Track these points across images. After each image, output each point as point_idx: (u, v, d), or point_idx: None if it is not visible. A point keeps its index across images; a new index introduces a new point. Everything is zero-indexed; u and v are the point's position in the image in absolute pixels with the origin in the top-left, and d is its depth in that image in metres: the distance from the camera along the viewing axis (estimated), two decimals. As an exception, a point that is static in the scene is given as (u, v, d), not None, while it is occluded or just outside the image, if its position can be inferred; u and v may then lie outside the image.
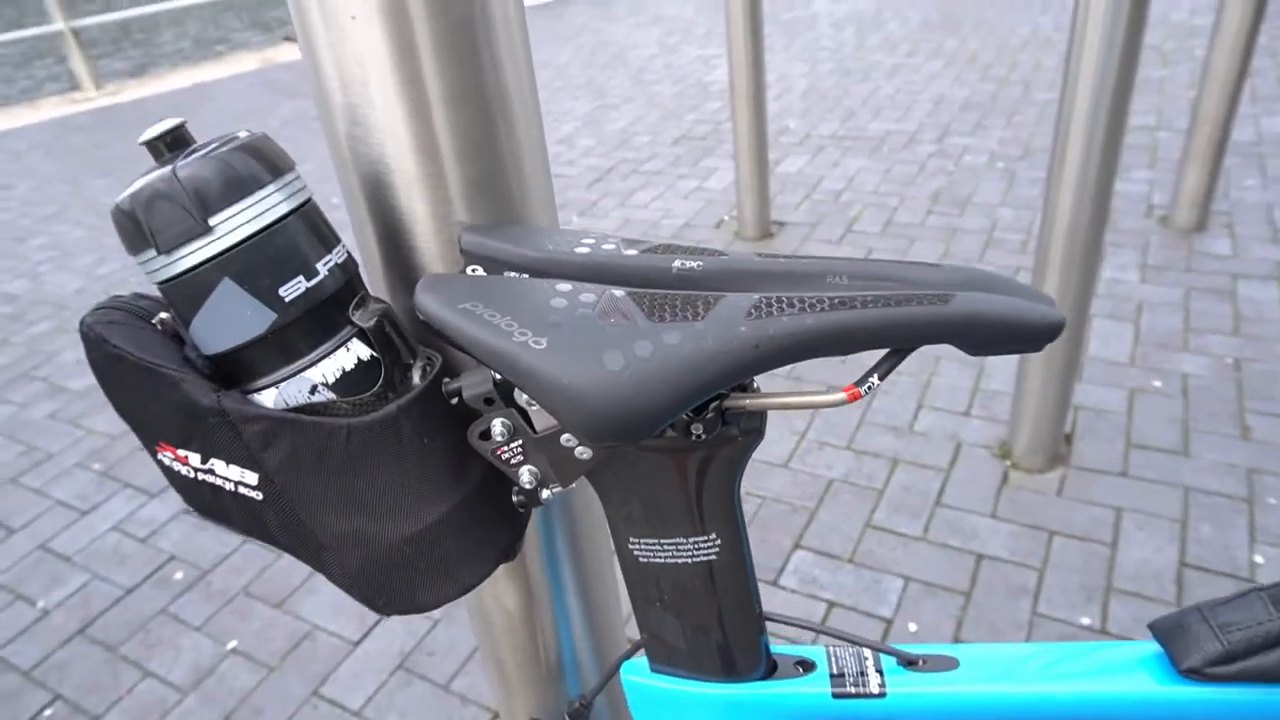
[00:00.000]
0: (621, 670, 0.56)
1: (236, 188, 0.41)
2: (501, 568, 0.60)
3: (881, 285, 0.40)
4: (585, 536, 0.61)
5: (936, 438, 1.98)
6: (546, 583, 0.60)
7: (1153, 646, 0.50)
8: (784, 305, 0.39)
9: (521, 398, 0.46)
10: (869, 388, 0.40)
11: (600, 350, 0.39)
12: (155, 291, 0.45)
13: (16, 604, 1.84)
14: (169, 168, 0.40)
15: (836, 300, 0.39)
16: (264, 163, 0.42)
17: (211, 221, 0.40)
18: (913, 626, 1.54)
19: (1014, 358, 2.18)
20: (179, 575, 1.87)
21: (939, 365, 2.22)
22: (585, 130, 4.22)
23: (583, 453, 0.47)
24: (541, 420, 0.47)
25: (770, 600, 1.63)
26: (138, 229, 0.40)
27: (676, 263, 0.43)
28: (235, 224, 0.41)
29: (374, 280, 0.52)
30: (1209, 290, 2.39)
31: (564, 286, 0.43)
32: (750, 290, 0.42)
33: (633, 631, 1.51)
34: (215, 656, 1.67)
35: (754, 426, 0.46)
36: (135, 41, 8.86)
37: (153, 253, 0.41)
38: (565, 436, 0.46)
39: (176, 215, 0.40)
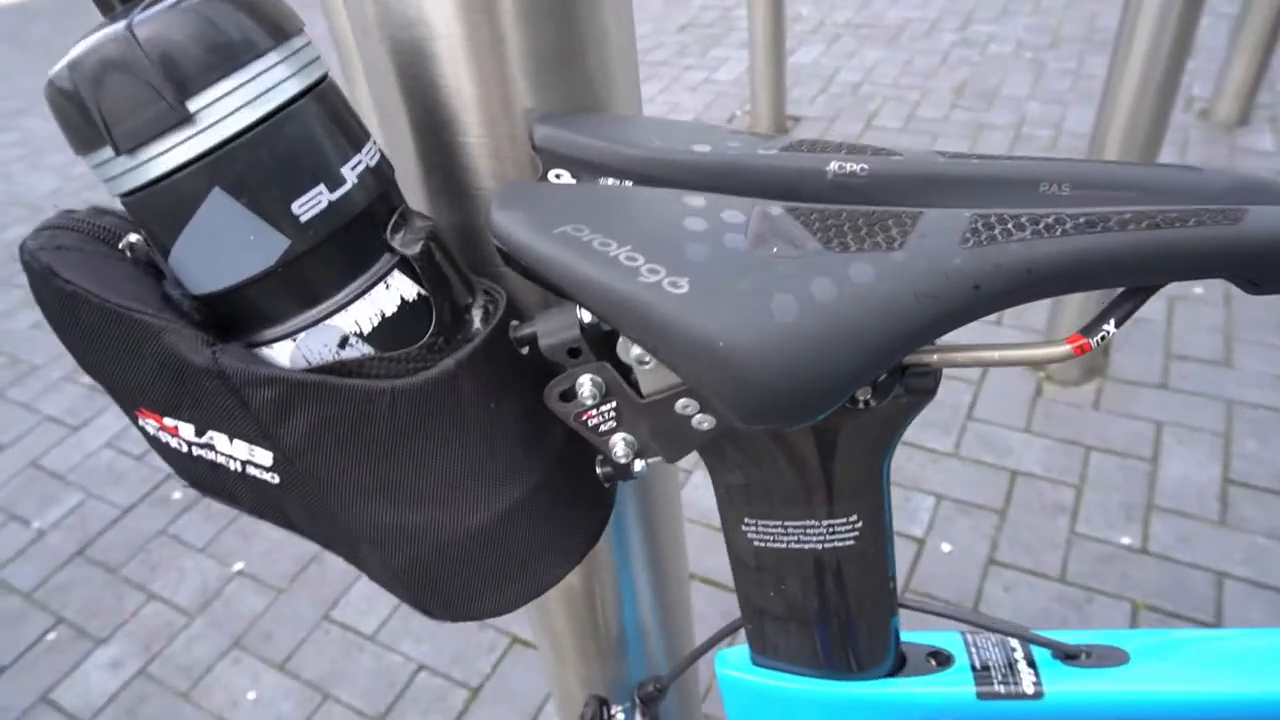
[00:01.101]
0: (717, 662, 0.47)
1: (224, 56, 0.28)
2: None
3: (1120, 197, 0.29)
4: (658, 499, 0.51)
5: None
6: (610, 553, 0.51)
7: None
8: (1010, 227, 0.28)
9: (630, 350, 0.35)
10: (1102, 337, 0.30)
11: (766, 295, 0.28)
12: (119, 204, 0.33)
13: (11, 524, 1.78)
14: (122, 23, 0.28)
15: (1083, 219, 0.28)
16: (261, 21, 0.29)
17: (191, 105, 0.28)
18: (946, 547, 1.48)
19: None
20: (177, 495, 1.79)
21: (967, 271, 2.11)
22: (584, 17, 3.96)
23: (703, 421, 0.36)
24: (650, 377, 0.36)
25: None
26: (84, 117, 0.28)
27: (834, 164, 0.31)
28: (225, 109, 0.28)
29: (411, 185, 0.40)
30: (1251, 190, 2.26)
31: (695, 200, 0.31)
32: (942, 204, 0.31)
33: (703, 605, 1.43)
34: (221, 578, 1.61)
35: (926, 386, 0.35)
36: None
37: (109, 151, 0.29)
38: (683, 401, 0.35)
39: (140, 95, 0.28)
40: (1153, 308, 1.92)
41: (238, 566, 1.63)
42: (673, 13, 3.89)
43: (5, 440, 1.99)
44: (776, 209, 0.31)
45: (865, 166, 0.31)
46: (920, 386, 0.35)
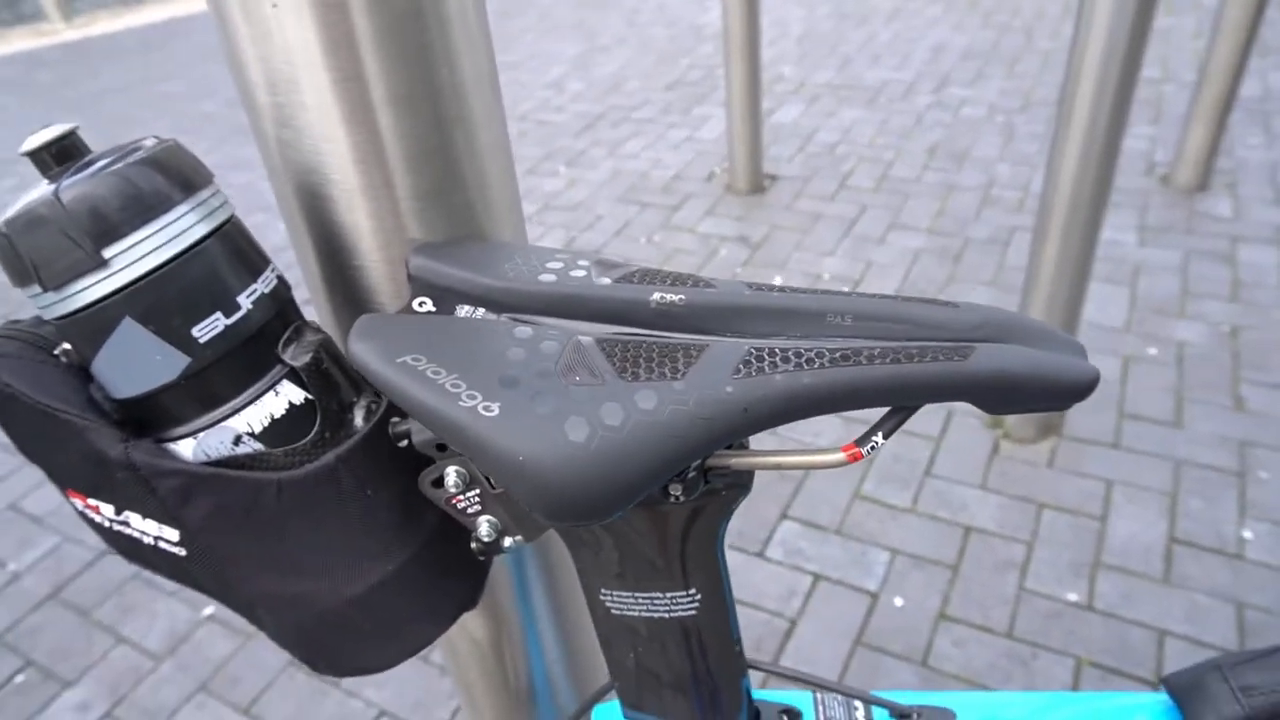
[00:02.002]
0: (594, 715, 0.52)
1: (137, 211, 0.34)
2: (467, 593, 0.55)
3: (889, 330, 0.35)
4: (559, 563, 0.56)
5: (928, 405, 1.94)
6: (517, 612, 0.56)
7: (1164, 700, 0.46)
8: (777, 360, 0.34)
9: None
10: (871, 447, 0.35)
11: (562, 417, 0.34)
12: None
13: (-13, 566, 1.81)
14: (51, 188, 0.34)
15: (838, 354, 0.34)
16: (172, 178, 0.35)
17: (106, 253, 0.34)
18: (898, 601, 1.52)
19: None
20: (153, 538, 1.82)
21: (932, 329, 2.17)
22: (574, 74, 4.09)
23: None
24: None
25: (755, 573, 1.61)
26: (18, 260, 0.34)
27: (656, 295, 0.37)
28: (136, 254, 0.34)
29: (317, 304, 0.46)
30: (1208, 253, 2.34)
31: (523, 332, 0.37)
32: (739, 331, 0.36)
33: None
34: (190, 623, 1.64)
35: (742, 481, 0.41)
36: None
37: (38, 288, 0.35)
38: None
39: (62, 246, 0.33)
40: (1108, 367, 1.98)
41: (208, 611, 1.66)
42: (661, 70, 4.02)
43: (-13, 482, 2.03)
44: (588, 339, 0.36)
45: (683, 297, 0.37)
46: (730, 484, 0.40)
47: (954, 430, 1.87)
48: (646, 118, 3.55)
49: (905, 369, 0.33)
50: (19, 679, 1.56)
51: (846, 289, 0.37)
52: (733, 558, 1.64)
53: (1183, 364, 1.97)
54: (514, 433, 0.34)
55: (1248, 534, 1.57)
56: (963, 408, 1.93)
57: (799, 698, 0.50)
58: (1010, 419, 1.84)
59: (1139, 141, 2.92)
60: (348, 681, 1.49)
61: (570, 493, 0.34)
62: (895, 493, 1.74)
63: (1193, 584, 1.49)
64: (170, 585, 1.72)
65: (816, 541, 1.65)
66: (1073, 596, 1.50)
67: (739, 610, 1.53)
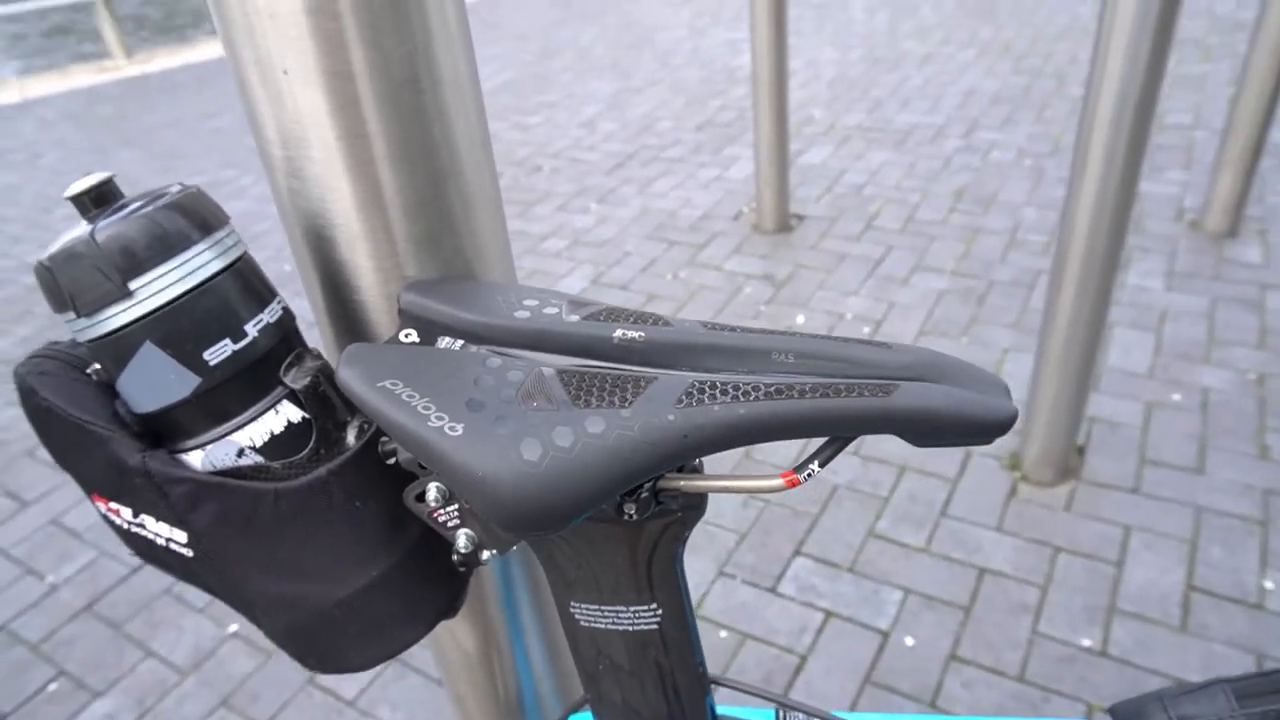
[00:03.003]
0: None
1: (160, 249, 0.39)
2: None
3: (827, 368, 0.38)
4: (545, 579, 0.60)
5: (946, 448, 1.95)
6: (505, 624, 0.59)
7: None
8: (716, 392, 0.38)
9: None
10: (808, 475, 0.39)
11: (518, 439, 0.38)
12: None
13: (27, 578, 1.88)
14: (88, 228, 0.39)
15: (773, 388, 0.37)
16: (193, 220, 0.41)
17: (132, 285, 0.39)
18: (909, 641, 1.52)
19: (1028, 362, 2.14)
20: (184, 556, 1.89)
21: (952, 370, 2.18)
22: (608, 114, 4.19)
23: None
24: None
25: (768, 608, 1.62)
26: (57, 289, 0.39)
27: (618, 332, 0.42)
28: (157, 287, 0.39)
29: (321, 332, 0.51)
30: (1236, 300, 2.32)
31: (494, 362, 0.41)
32: (692, 366, 0.40)
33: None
34: (216, 639, 1.69)
35: (694, 504, 0.44)
36: (166, 10, 8.88)
37: (73, 314, 0.40)
38: None
39: (94, 279, 0.39)
40: (1130, 412, 1.97)
41: (232, 629, 1.71)
42: (692, 112, 4.10)
43: (30, 497, 2.11)
44: (550, 370, 0.40)
45: (642, 334, 0.41)
46: (690, 504, 0.44)
47: (971, 472, 1.87)
48: (677, 157, 3.62)
49: (832, 403, 0.36)
50: (51, 687, 1.62)
51: (793, 330, 0.41)
52: (745, 592, 1.65)
53: (1207, 410, 1.96)
54: (475, 451, 0.38)
55: (1269, 584, 1.55)
56: (980, 448, 1.93)
57: (762, 715, 0.53)
58: (1028, 462, 1.84)
59: (1170, 187, 2.92)
60: (362, 701, 1.53)
61: (523, 507, 0.37)
62: (910, 532, 1.74)
63: (1211, 633, 1.48)
64: (198, 602, 1.77)
65: (829, 579, 1.66)
66: (1087, 642, 1.49)
67: (751, 645, 1.55)
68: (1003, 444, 1.94)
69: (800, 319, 2.46)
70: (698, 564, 1.73)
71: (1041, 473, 1.83)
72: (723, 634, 1.58)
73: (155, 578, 1.84)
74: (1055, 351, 1.72)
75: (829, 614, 1.59)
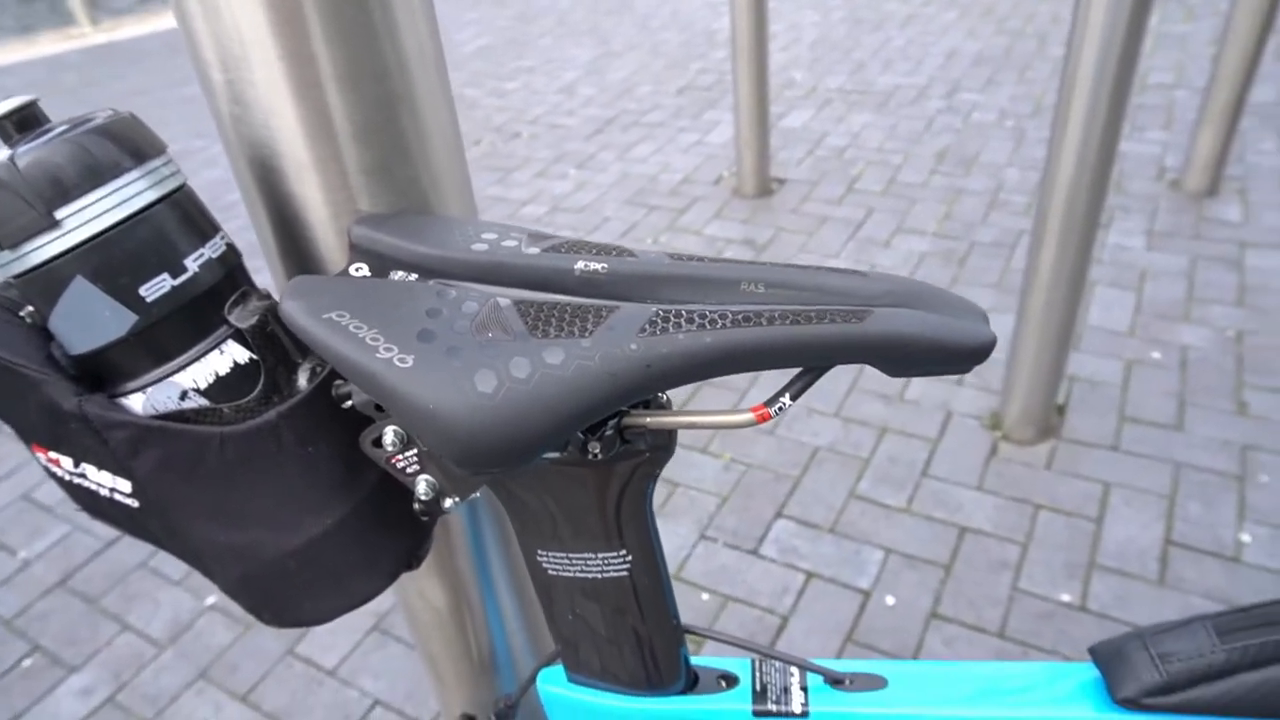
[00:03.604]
0: (538, 678, 0.53)
1: (89, 176, 0.36)
2: (427, 564, 0.57)
3: (799, 297, 0.36)
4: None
5: (927, 407, 1.95)
6: (475, 579, 0.57)
7: (1091, 671, 0.47)
8: (681, 320, 0.35)
9: None
10: (779, 408, 0.37)
11: (472, 370, 0.35)
12: None
13: (-1, 553, 1.85)
14: (8, 152, 0.36)
15: (740, 315, 0.35)
16: (125, 146, 0.38)
17: (58, 214, 0.36)
18: (890, 600, 1.53)
19: (1009, 322, 2.14)
20: (160, 529, 1.86)
21: (934, 331, 2.17)
22: (587, 79, 4.12)
23: None
24: None
25: (749, 570, 1.62)
26: None
27: (580, 264, 0.39)
28: (86, 217, 0.37)
29: (271, 270, 0.48)
30: (1216, 258, 2.32)
31: (448, 294, 0.39)
32: (657, 298, 0.38)
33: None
34: (193, 612, 1.67)
35: (662, 443, 0.42)
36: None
37: None
38: None
39: (17, 207, 0.36)
40: (1110, 370, 1.97)
41: (210, 600, 1.69)
42: (672, 75, 4.04)
43: (1, 472, 2.07)
44: (506, 300, 0.38)
45: (605, 266, 0.39)
46: (657, 444, 0.42)
47: (952, 431, 1.87)
48: (656, 122, 3.58)
49: (803, 329, 0.34)
50: (26, 663, 1.60)
51: (764, 260, 0.38)
52: (727, 555, 1.65)
53: (1186, 368, 1.96)
54: (426, 383, 0.35)
55: (1246, 537, 1.56)
56: (961, 408, 1.93)
57: (737, 664, 0.52)
58: (1009, 421, 1.83)
59: (1151, 147, 2.91)
60: (343, 670, 1.52)
61: (478, 441, 0.35)
62: (891, 493, 1.74)
63: (1188, 586, 1.49)
64: (175, 575, 1.75)
65: (811, 540, 1.66)
66: (1066, 597, 1.50)
67: (733, 606, 1.55)
68: (983, 403, 1.93)
69: (781, 283, 2.44)
70: (679, 528, 1.72)
71: (1022, 432, 1.83)
72: (704, 596, 1.58)
73: (131, 551, 1.82)
74: (1036, 311, 1.71)
75: (810, 575, 1.59)
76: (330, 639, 1.58)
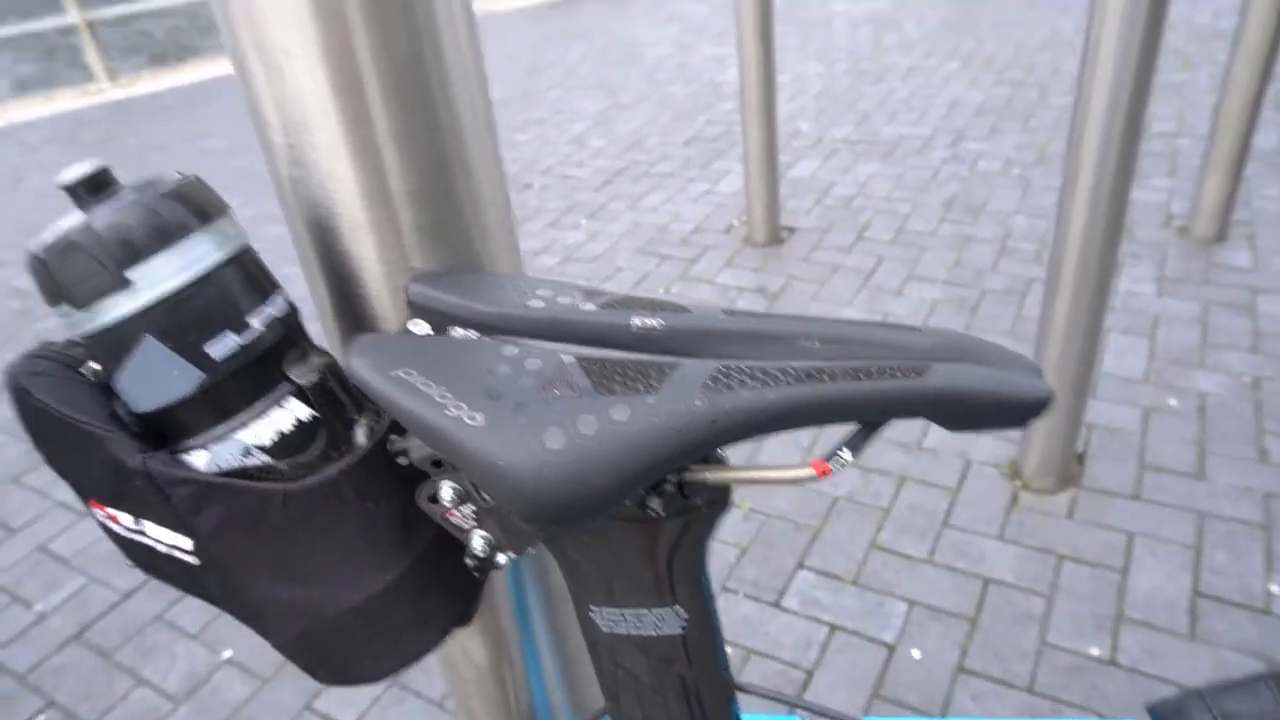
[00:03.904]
0: None
1: (159, 237, 0.38)
2: (472, 621, 0.57)
3: (855, 351, 0.37)
4: (559, 586, 0.58)
5: (946, 455, 1.94)
6: (517, 635, 0.57)
7: None
8: (744, 377, 0.36)
9: None
10: (840, 463, 0.37)
11: (541, 427, 0.36)
12: None
13: (13, 606, 1.84)
14: (84, 216, 0.37)
15: (802, 372, 0.36)
16: (192, 208, 0.39)
17: (129, 275, 0.37)
18: (916, 653, 1.51)
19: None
20: (176, 582, 1.85)
21: (949, 379, 2.18)
22: (596, 130, 4.19)
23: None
24: None
25: (771, 623, 1.60)
26: (51, 281, 0.37)
27: (636, 320, 0.40)
28: (156, 277, 0.38)
29: (325, 328, 0.49)
30: (1228, 304, 2.33)
31: (510, 350, 0.40)
32: (714, 353, 0.39)
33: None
34: (210, 666, 1.65)
35: (718, 498, 0.42)
36: (148, 34, 8.87)
37: (68, 306, 0.38)
38: None
39: (91, 268, 0.37)
40: (1127, 418, 1.97)
41: (226, 654, 1.67)
42: (680, 127, 4.11)
43: (17, 524, 2.07)
44: (569, 358, 0.39)
45: (661, 322, 0.40)
46: (714, 498, 0.42)
47: (972, 480, 1.87)
48: (666, 172, 3.63)
49: (864, 385, 0.35)
50: (40, 718, 1.58)
51: (817, 315, 0.39)
52: (749, 607, 1.63)
53: (1204, 415, 1.96)
54: (496, 440, 0.36)
55: (1275, 588, 1.55)
56: (980, 457, 1.92)
57: None
58: (1028, 470, 1.83)
59: (1156, 194, 2.94)
60: (362, 727, 1.49)
61: (547, 497, 0.36)
62: (912, 543, 1.73)
63: (1219, 639, 1.47)
64: (191, 628, 1.73)
65: (833, 591, 1.65)
66: (1095, 651, 1.48)
67: (757, 660, 1.53)
68: (1001, 452, 1.93)
69: (795, 331, 2.45)
70: (700, 579, 1.70)
71: (1042, 480, 1.82)
72: (727, 650, 1.56)
73: (147, 603, 1.80)
74: (1052, 359, 1.72)
75: (834, 627, 1.58)
76: (349, 694, 1.56)
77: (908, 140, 3.64)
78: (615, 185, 3.56)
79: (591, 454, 0.36)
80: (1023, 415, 0.35)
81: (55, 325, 2.97)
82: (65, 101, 5.76)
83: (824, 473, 0.37)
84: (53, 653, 1.72)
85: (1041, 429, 1.79)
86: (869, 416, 0.36)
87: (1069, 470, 1.83)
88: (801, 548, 1.75)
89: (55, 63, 7.63)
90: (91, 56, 5.91)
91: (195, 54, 7.19)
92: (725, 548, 1.77)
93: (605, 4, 6.86)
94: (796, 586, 1.67)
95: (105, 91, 5.85)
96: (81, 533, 2.02)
